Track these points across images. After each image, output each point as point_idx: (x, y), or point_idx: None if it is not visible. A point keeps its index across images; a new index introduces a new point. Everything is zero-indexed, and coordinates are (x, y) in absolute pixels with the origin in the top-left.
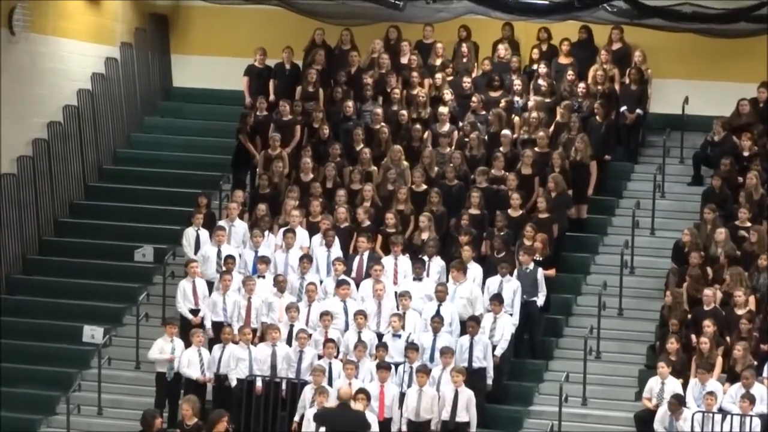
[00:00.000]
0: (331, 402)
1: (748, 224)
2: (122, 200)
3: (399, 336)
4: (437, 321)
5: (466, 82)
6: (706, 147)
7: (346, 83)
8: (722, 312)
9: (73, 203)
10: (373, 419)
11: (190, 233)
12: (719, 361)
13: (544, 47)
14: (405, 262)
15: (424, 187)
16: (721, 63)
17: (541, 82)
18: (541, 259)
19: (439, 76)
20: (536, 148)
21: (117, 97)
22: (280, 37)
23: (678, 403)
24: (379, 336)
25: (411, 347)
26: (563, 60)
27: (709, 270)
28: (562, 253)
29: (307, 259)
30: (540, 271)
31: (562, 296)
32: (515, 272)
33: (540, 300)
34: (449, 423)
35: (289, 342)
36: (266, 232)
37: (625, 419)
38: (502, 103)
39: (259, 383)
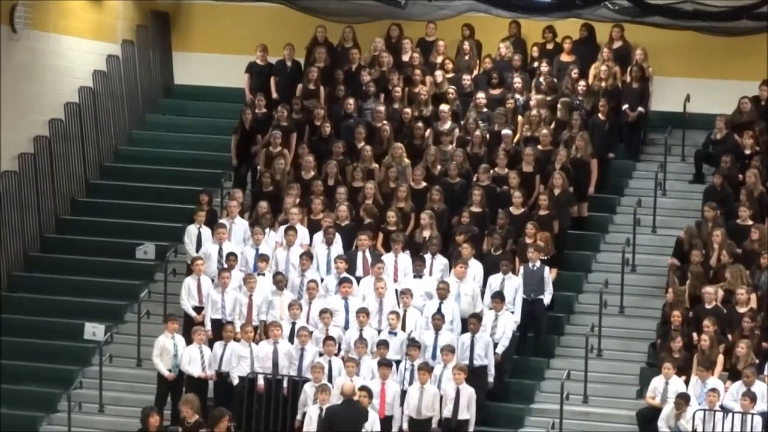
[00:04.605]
0: (332, 399)
1: (749, 222)
2: (123, 197)
3: (395, 333)
4: (438, 319)
5: (467, 79)
6: (707, 145)
7: (346, 81)
8: (723, 310)
9: (74, 200)
10: (374, 417)
11: (192, 230)
12: (720, 358)
13: (550, 46)
14: (405, 259)
15: (424, 184)
16: (722, 61)
17: (542, 80)
18: (547, 257)
19: (439, 73)
20: (539, 146)
21: (118, 94)
22: (282, 35)
23: (684, 402)
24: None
25: (413, 345)
26: (565, 58)
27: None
28: (564, 251)
29: (307, 256)
30: (547, 270)
31: (563, 294)
32: (521, 270)
33: (547, 298)
34: (452, 421)
35: (291, 339)
36: (267, 230)
37: (626, 417)
38: (510, 102)
39: (261, 381)
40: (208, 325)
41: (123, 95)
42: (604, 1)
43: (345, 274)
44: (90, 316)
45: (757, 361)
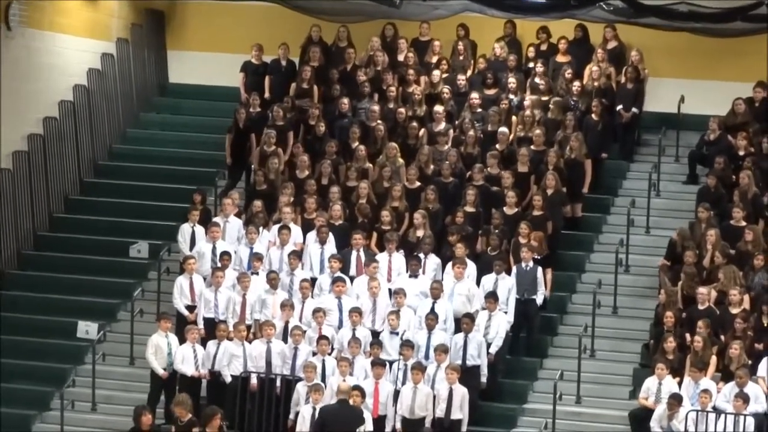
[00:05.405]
0: (326, 399)
1: (743, 223)
2: (117, 196)
3: (396, 333)
4: (432, 318)
5: (461, 79)
6: (701, 146)
7: (341, 80)
8: (717, 311)
9: (68, 198)
10: (367, 417)
11: (185, 229)
12: (713, 359)
13: (544, 46)
14: (399, 259)
15: (418, 184)
16: (716, 62)
17: (537, 80)
18: (540, 257)
19: (436, 73)
20: (532, 146)
21: (113, 92)
22: (277, 34)
23: (677, 402)
24: (374, 333)
25: (406, 344)
26: (560, 58)
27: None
28: (557, 251)
29: (294, 255)
30: (539, 270)
31: (556, 294)
32: (514, 270)
33: (539, 299)
34: (444, 420)
35: (284, 339)
36: (261, 229)
37: (619, 417)
38: (504, 102)
39: (254, 380)
40: (201, 324)
41: (117, 94)
42: (599, 2)
43: (338, 274)
44: (83, 314)
45: (750, 362)
